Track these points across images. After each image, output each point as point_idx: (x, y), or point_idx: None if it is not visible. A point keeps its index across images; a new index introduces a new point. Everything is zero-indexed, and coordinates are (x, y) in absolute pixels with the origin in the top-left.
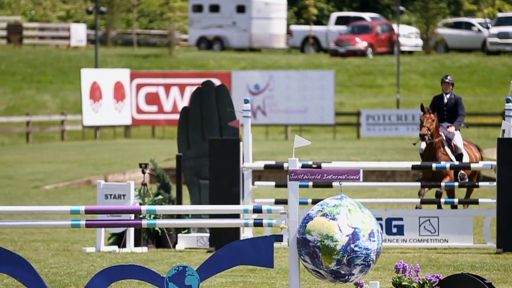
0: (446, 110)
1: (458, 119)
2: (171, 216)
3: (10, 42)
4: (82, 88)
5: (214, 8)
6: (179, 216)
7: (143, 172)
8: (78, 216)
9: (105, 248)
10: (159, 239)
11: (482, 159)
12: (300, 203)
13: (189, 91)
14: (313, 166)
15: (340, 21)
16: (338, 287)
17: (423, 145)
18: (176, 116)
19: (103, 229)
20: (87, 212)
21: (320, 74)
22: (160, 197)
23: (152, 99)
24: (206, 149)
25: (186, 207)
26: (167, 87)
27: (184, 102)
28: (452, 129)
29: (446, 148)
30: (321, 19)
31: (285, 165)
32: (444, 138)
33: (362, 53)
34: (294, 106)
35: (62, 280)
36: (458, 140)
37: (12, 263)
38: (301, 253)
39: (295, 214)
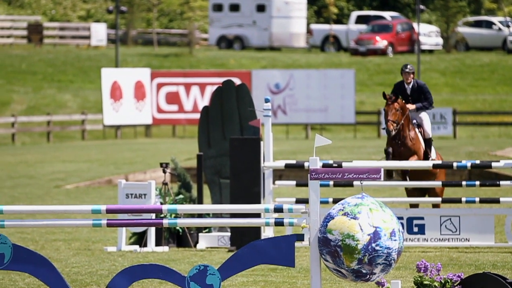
0: (411, 100)
1: (424, 103)
2: (192, 216)
3: (31, 41)
4: (103, 88)
5: (234, 7)
6: (200, 216)
7: (164, 172)
8: (99, 215)
9: (126, 248)
10: (180, 238)
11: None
12: (321, 202)
13: (209, 90)
14: (334, 165)
15: (360, 20)
16: (359, 286)
17: (390, 149)
18: (197, 116)
19: (124, 228)
20: (108, 211)
21: (340, 73)
22: (181, 196)
23: (173, 98)
24: (227, 148)
25: (207, 206)
26: (188, 87)
27: (204, 101)
28: (411, 106)
29: (417, 132)
30: (341, 18)
31: (306, 164)
32: (416, 123)
33: (382, 52)
34: (315, 105)
35: (83, 280)
36: (426, 123)
37: (34, 262)
38: (322, 252)
39: (316, 213)
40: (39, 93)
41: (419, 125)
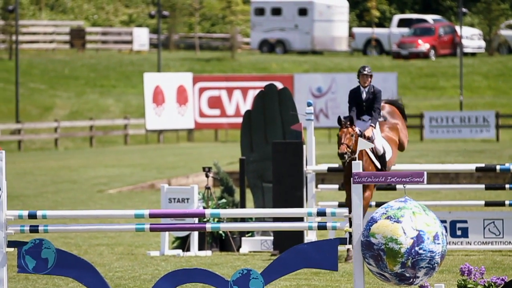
0: (365, 106)
1: (374, 116)
2: (234, 220)
3: (73, 47)
4: (145, 92)
5: (276, 11)
6: (242, 220)
7: (207, 176)
8: (142, 220)
9: (169, 252)
10: (223, 242)
11: (407, 136)
12: None
13: (251, 94)
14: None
15: (402, 23)
16: None
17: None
18: (239, 120)
19: (167, 232)
20: (151, 216)
21: (382, 77)
22: (223, 200)
23: (215, 102)
24: (269, 152)
25: (250, 210)
26: (230, 91)
27: (246, 105)
28: (369, 132)
29: (370, 154)
30: (383, 22)
31: None
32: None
33: (424, 55)
34: None
35: (127, 284)
36: (376, 141)
37: (77, 267)
38: (366, 256)
39: (359, 217)
40: (82, 98)
41: (369, 139)
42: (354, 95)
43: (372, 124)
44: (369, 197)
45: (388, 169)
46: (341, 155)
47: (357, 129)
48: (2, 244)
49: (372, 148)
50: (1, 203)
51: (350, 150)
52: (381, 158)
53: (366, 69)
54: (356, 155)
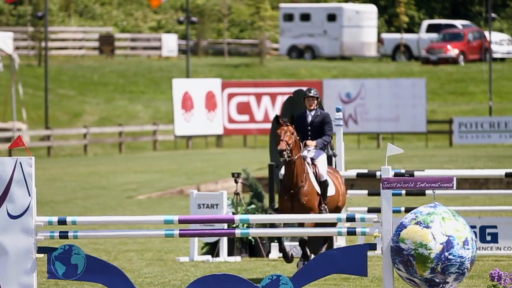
0: (310, 130)
1: (323, 138)
2: (264, 225)
3: (102, 53)
4: (174, 98)
5: (305, 17)
6: (272, 225)
7: (236, 182)
8: (171, 225)
9: (199, 258)
10: (252, 248)
11: (346, 192)
12: (393, 211)
13: (280, 100)
14: (406, 174)
15: (431, 28)
16: None
17: (283, 170)
18: (268, 125)
19: (196, 238)
20: (181, 221)
21: (411, 82)
22: (253, 206)
23: (244, 108)
24: None
25: (279, 216)
26: (259, 96)
27: (275, 111)
28: (312, 143)
29: (310, 174)
30: (412, 27)
31: (378, 173)
32: (308, 159)
33: (453, 61)
34: (386, 114)
35: None
36: (321, 163)
37: (107, 273)
38: (395, 262)
39: (388, 223)
40: (111, 104)
41: (312, 162)
42: (299, 119)
43: (317, 143)
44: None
45: (328, 208)
46: (280, 152)
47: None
48: (32, 250)
49: (316, 170)
50: (31, 209)
51: (289, 149)
52: (323, 185)
53: (312, 91)
54: (296, 157)
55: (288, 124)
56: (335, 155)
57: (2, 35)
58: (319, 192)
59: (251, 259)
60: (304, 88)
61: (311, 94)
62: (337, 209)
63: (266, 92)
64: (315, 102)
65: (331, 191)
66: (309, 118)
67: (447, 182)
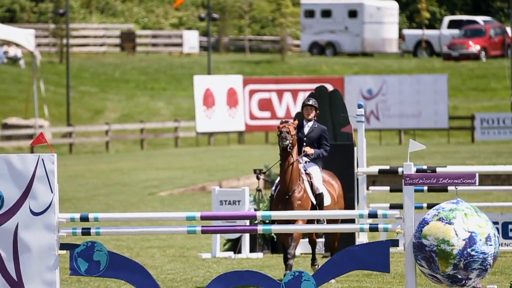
0: (306, 141)
1: (322, 151)
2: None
3: (124, 50)
4: (195, 95)
5: (326, 13)
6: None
7: (258, 178)
8: (193, 222)
9: (221, 254)
10: (275, 244)
11: (343, 197)
12: (416, 207)
13: (301, 96)
14: (428, 170)
15: (452, 24)
16: None
17: (277, 181)
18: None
19: (218, 235)
20: (203, 218)
21: (433, 78)
22: None
23: (265, 105)
24: None
25: (301, 212)
26: (280, 93)
27: (297, 107)
28: (310, 150)
29: (305, 182)
30: (433, 23)
31: (400, 169)
32: (303, 167)
33: (475, 57)
34: (408, 111)
35: (178, 286)
36: (315, 175)
37: (130, 269)
38: (418, 258)
39: (410, 219)
40: (132, 101)
41: (306, 172)
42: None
43: (315, 152)
44: (300, 236)
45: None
46: (284, 134)
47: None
48: (54, 247)
49: (310, 181)
50: (53, 206)
51: (291, 137)
52: (319, 197)
53: (311, 100)
54: (294, 160)
55: (290, 123)
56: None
57: (24, 33)
58: (314, 202)
59: (273, 256)
60: (326, 85)
61: (309, 103)
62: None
63: (288, 89)
64: (314, 112)
65: (327, 201)
66: (306, 129)
67: (469, 178)
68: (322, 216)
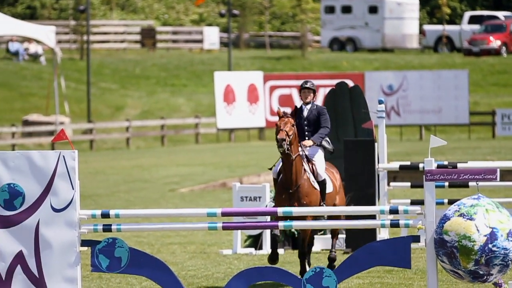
0: (306, 125)
1: (320, 131)
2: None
3: (144, 46)
4: (216, 91)
5: (346, 9)
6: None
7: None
8: (214, 218)
9: (242, 250)
10: (295, 240)
11: (344, 187)
12: (437, 203)
13: (322, 92)
14: (449, 166)
15: (473, 20)
16: (476, 287)
17: (278, 166)
18: None
19: (239, 231)
20: (224, 214)
21: (454, 74)
22: None
23: (286, 101)
24: (341, 150)
25: (322, 208)
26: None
27: (317, 103)
28: (308, 142)
29: (308, 172)
30: (454, 18)
31: (421, 165)
32: (305, 155)
33: (496, 52)
34: (428, 106)
35: (199, 283)
36: (319, 161)
37: (151, 266)
38: (439, 254)
39: (432, 215)
40: (153, 97)
41: (309, 160)
42: (294, 114)
43: (314, 140)
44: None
45: (328, 205)
46: (280, 141)
47: (304, 151)
48: (75, 243)
49: (314, 169)
50: (74, 203)
51: (289, 140)
52: (321, 184)
53: (308, 83)
54: (294, 156)
55: (289, 116)
56: (332, 152)
57: (44, 29)
58: (318, 189)
59: (294, 252)
60: (347, 81)
61: (307, 86)
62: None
63: None
64: (311, 95)
65: (329, 188)
66: (305, 113)
67: (490, 173)
68: (343, 213)
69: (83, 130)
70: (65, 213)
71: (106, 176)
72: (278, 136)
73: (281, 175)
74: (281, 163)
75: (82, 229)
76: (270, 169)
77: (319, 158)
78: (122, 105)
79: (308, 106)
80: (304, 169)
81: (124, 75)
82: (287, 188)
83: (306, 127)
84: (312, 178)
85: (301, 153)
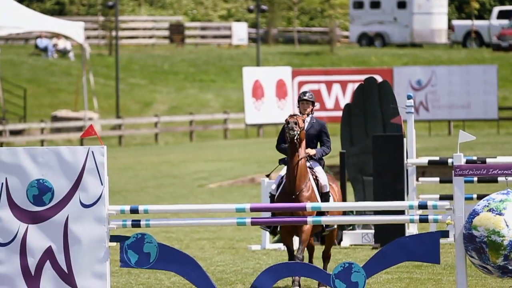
0: (306, 138)
1: (323, 148)
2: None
3: (173, 42)
4: (244, 87)
5: (375, 5)
6: (343, 213)
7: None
8: (243, 214)
9: (271, 246)
10: (324, 236)
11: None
12: (466, 198)
13: (351, 88)
14: (478, 161)
15: (502, 15)
16: (505, 282)
17: (277, 180)
18: (338, 113)
19: None
20: (252, 210)
21: (482, 69)
22: None
23: (314, 96)
24: (370, 146)
25: (351, 204)
26: (329, 84)
27: (346, 99)
28: (312, 151)
29: (312, 180)
30: (483, 13)
31: (450, 160)
32: (309, 164)
33: None
34: (457, 102)
35: (228, 278)
36: (321, 174)
37: (179, 261)
38: (468, 249)
39: (461, 210)
40: (181, 93)
41: (311, 170)
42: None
43: (317, 152)
44: (309, 230)
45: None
46: (291, 124)
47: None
48: (104, 239)
49: (317, 180)
50: (103, 198)
51: (299, 129)
52: (325, 197)
53: (307, 94)
54: (302, 156)
55: (298, 115)
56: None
57: (73, 25)
58: (319, 200)
59: (323, 247)
60: (376, 76)
61: (305, 98)
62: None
63: (337, 80)
64: (310, 107)
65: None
66: (305, 125)
67: None
68: (372, 208)
69: (112, 126)
70: (94, 209)
71: (135, 171)
72: (290, 120)
73: (284, 181)
74: (280, 177)
75: (111, 224)
76: (268, 175)
77: (321, 170)
78: (151, 101)
79: (308, 119)
80: (309, 176)
81: (153, 71)
82: (289, 194)
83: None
84: (315, 187)
85: (307, 158)
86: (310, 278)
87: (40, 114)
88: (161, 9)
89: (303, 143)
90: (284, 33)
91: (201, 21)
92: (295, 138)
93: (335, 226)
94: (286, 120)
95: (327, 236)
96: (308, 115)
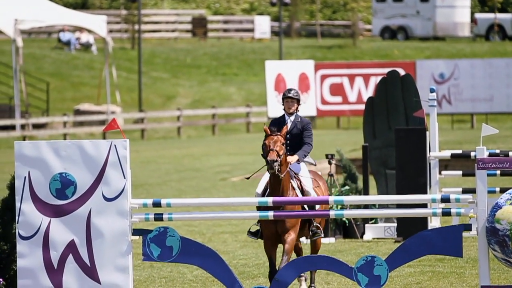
0: (289, 138)
1: (304, 148)
2: (358, 206)
3: (195, 35)
4: (267, 80)
5: None
6: (366, 206)
7: (330, 163)
8: (266, 207)
9: None
10: (347, 229)
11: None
12: (488, 192)
13: (373, 81)
14: (501, 154)
15: None
16: None
17: (262, 186)
18: (361, 107)
19: None
20: (275, 203)
21: (505, 62)
22: (347, 187)
23: (337, 90)
24: (392, 139)
25: (373, 197)
26: (352, 78)
27: (368, 92)
28: (293, 158)
29: (296, 189)
30: (506, 6)
31: (472, 154)
32: (293, 172)
33: None
34: (480, 95)
35: (251, 271)
36: (305, 178)
37: (202, 255)
38: (490, 242)
39: (483, 203)
40: (204, 86)
41: (295, 176)
42: (277, 124)
43: (299, 156)
44: (294, 240)
45: (316, 221)
46: (270, 163)
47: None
48: (127, 232)
49: (301, 186)
50: (126, 192)
51: (279, 160)
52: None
53: (292, 92)
54: (283, 175)
55: (278, 134)
56: (315, 165)
57: (96, 19)
58: (306, 208)
59: (345, 240)
60: (398, 69)
61: (290, 95)
62: (324, 221)
63: (359, 73)
64: (295, 105)
65: (317, 206)
66: (289, 124)
67: None
68: (395, 201)
69: (135, 120)
70: (116, 202)
71: (157, 165)
72: (268, 158)
73: (267, 192)
74: (264, 182)
75: (133, 218)
76: (247, 178)
77: (305, 174)
78: (173, 94)
79: (292, 118)
80: (292, 187)
81: (175, 64)
82: (274, 208)
83: (288, 141)
84: (300, 195)
85: (288, 170)
86: (332, 272)
87: (63, 108)
88: (183, 3)
89: (285, 162)
90: (306, 27)
91: (223, 14)
92: (276, 172)
93: (322, 234)
94: (265, 146)
95: (311, 245)
96: (292, 114)
